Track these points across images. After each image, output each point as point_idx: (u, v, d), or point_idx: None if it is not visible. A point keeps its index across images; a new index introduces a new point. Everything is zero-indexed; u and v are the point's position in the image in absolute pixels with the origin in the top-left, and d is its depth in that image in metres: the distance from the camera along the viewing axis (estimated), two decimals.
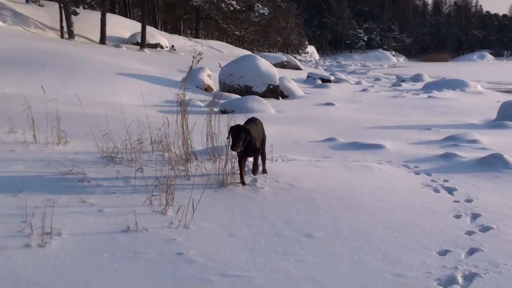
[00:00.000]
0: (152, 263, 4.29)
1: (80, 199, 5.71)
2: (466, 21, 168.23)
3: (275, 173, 6.98)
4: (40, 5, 37.33)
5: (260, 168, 6.87)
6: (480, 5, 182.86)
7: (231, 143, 6.12)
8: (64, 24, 32.92)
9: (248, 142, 6.22)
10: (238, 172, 6.55)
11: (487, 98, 22.90)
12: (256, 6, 58.86)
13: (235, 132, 6.10)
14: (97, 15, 37.51)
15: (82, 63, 19.71)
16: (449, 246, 4.75)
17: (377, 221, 5.38)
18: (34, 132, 8.58)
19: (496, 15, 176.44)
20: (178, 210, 5.35)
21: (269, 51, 65.85)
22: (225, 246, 4.67)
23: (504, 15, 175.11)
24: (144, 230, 4.93)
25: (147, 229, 4.96)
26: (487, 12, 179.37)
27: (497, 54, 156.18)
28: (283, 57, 46.36)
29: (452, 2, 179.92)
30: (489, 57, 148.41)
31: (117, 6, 55.18)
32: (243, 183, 6.43)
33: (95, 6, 44.60)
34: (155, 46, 39.80)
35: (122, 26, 42.68)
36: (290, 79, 23.47)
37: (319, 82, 30.71)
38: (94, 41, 35.07)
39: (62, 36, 32.48)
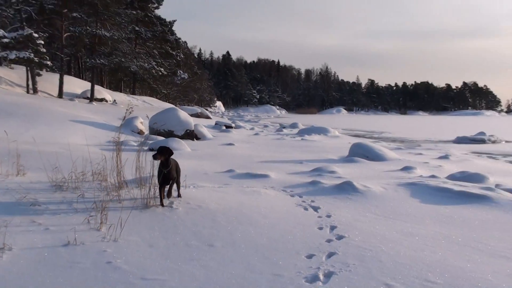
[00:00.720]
0: (86, 271, 3.95)
1: (31, 220, 5.26)
2: (328, 86, 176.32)
3: (188, 196, 6.75)
4: (11, 68, 35.34)
5: (175, 194, 6.66)
6: (337, 75, 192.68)
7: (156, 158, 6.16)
8: (30, 82, 31.31)
9: (167, 172, 6.14)
10: (159, 196, 6.30)
11: (342, 140, 23.67)
12: (178, 72, 58.48)
13: (161, 149, 6.18)
14: (56, 76, 35.78)
15: (42, 112, 18.67)
16: (314, 251, 4.68)
17: (262, 233, 5.26)
18: None
19: (348, 82, 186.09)
20: (110, 227, 5.03)
21: (188, 105, 65.43)
22: (145, 255, 4.38)
23: (353, 82, 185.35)
24: (81, 244, 4.56)
25: (84, 243, 4.60)
26: (342, 79, 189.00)
27: (349, 109, 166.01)
28: (198, 109, 46.09)
29: (318, 73, 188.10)
30: (344, 111, 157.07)
31: (72, 70, 53.27)
32: (162, 205, 6.16)
33: (55, 69, 42.69)
34: (101, 100, 38.32)
35: (76, 84, 41.08)
36: (202, 125, 23.28)
37: (224, 127, 30.67)
38: (53, 96, 33.38)
39: (28, 92, 30.72)
